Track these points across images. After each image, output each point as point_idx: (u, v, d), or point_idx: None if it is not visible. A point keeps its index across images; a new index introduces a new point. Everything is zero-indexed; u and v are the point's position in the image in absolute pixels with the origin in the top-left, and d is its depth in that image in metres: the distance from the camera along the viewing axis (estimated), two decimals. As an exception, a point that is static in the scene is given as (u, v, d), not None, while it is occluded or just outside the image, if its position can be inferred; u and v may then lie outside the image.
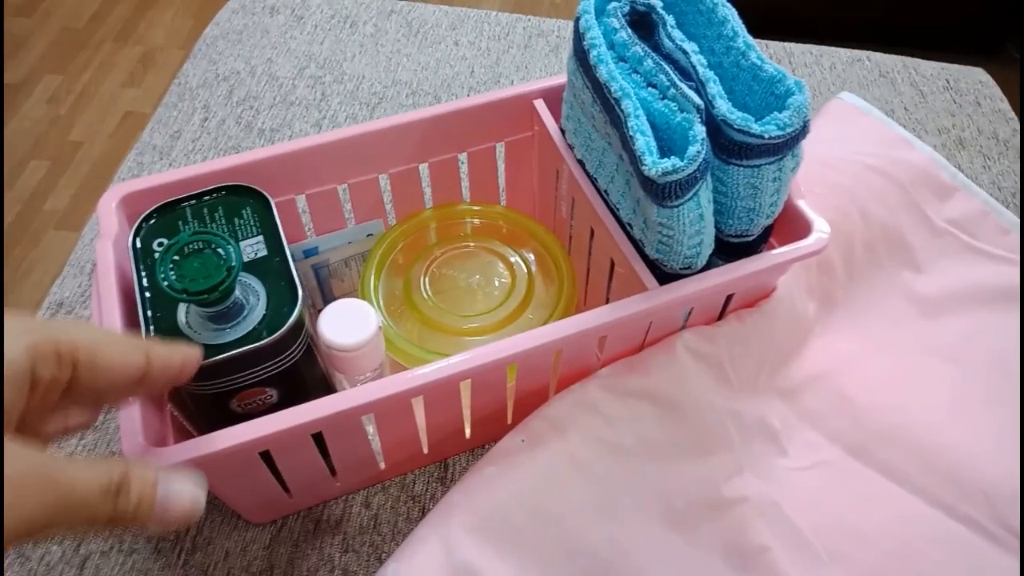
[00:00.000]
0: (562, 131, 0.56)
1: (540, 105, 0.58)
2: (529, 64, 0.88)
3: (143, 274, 0.44)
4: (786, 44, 0.94)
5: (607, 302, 0.47)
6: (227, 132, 0.78)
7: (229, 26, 0.91)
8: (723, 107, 0.44)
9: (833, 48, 0.94)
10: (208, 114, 0.80)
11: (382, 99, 0.82)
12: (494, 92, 0.58)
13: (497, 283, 0.56)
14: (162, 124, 0.80)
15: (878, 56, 0.94)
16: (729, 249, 0.50)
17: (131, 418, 0.40)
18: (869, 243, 0.63)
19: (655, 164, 0.42)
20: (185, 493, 0.31)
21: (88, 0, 2.29)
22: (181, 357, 0.34)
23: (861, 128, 0.70)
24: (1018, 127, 0.86)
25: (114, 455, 0.56)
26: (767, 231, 0.50)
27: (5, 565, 0.51)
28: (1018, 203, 0.77)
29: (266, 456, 0.45)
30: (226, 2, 0.95)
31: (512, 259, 0.57)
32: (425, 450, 0.54)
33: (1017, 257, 0.67)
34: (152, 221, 0.47)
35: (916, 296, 0.64)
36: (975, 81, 0.92)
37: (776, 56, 0.92)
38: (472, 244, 0.58)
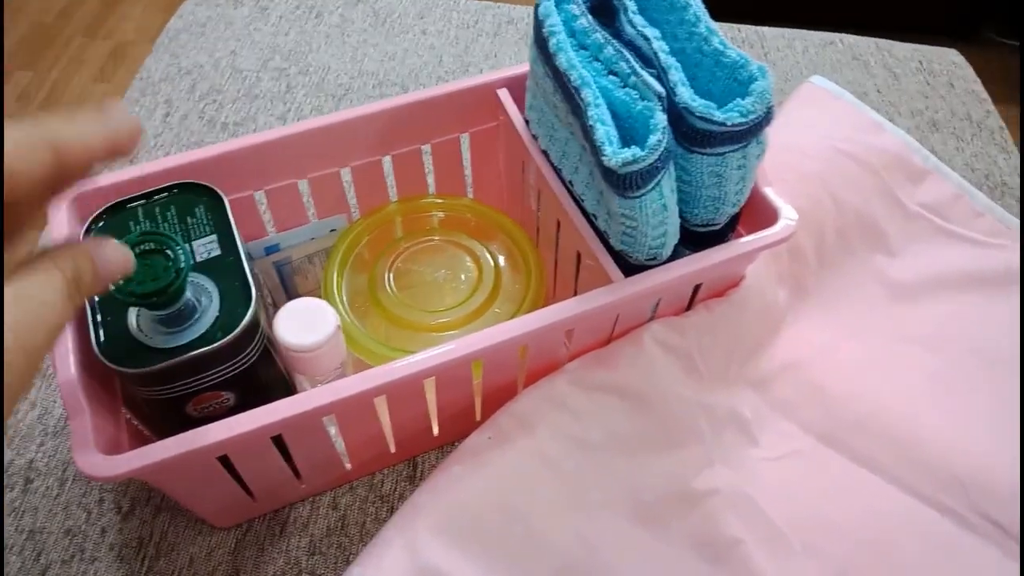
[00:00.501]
0: (526, 121, 0.55)
1: (504, 95, 0.56)
2: (499, 52, 0.87)
3: (93, 277, 0.43)
4: (758, 28, 0.93)
5: (575, 294, 0.46)
6: (190, 127, 0.77)
7: (192, 18, 0.89)
8: (685, 94, 0.43)
9: (805, 31, 0.93)
10: (170, 109, 0.79)
11: (348, 90, 0.81)
12: (458, 82, 0.56)
13: (464, 277, 0.55)
14: (124, 120, 0.78)
15: (851, 39, 0.93)
16: (696, 239, 0.49)
17: (82, 426, 0.39)
18: (841, 229, 0.63)
19: (615, 154, 0.41)
20: (116, 253, 0.30)
21: (56, -5, 2.25)
22: (105, 133, 0.29)
23: (832, 112, 0.69)
24: (991, 108, 0.86)
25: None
26: (734, 220, 0.50)
27: (-37, 577, 0.50)
28: (990, 185, 0.77)
29: (227, 460, 0.44)
30: (192, -6, 0.93)
31: (479, 252, 0.56)
32: (392, 449, 0.53)
33: (992, 240, 0.66)
34: (102, 223, 0.45)
35: (889, 281, 0.63)
36: (948, 63, 0.91)
37: (748, 40, 0.91)
38: (438, 238, 0.57)
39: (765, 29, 0.93)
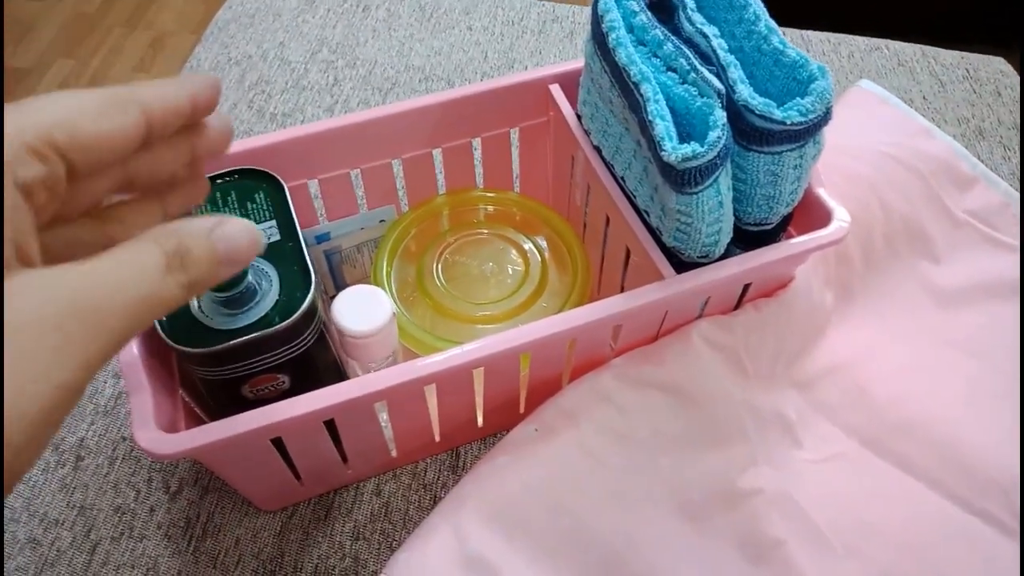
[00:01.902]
0: (578, 116, 0.55)
1: (556, 90, 0.57)
2: (543, 50, 0.87)
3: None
4: (803, 32, 0.93)
5: (621, 291, 0.46)
6: (239, 116, 0.78)
7: (241, 9, 0.91)
8: (744, 92, 0.43)
9: (851, 36, 0.93)
10: (221, 99, 0.79)
11: (395, 84, 0.82)
12: (509, 76, 0.57)
13: (510, 270, 0.55)
14: (173, 108, 0.79)
15: (896, 45, 0.92)
16: (748, 237, 0.49)
17: (142, 404, 0.39)
18: (888, 235, 0.62)
19: (675, 150, 0.41)
20: (241, 234, 0.27)
21: (98, -15, 2.29)
22: (187, 90, 0.29)
23: (881, 117, 0.69)
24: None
25: (125, 440, 0.56)
26: (786, 220, 0.50)
27: (17, 548, 0.51)
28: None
29: (277, 442, 0.45)
30: (238, -14, 0.94)
31: (525, 246, 0.56)
32: (437, 438, 0.53)
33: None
34: (164, 205, 0.46)
35: (934, 287, 0.63)
36: (995, 71, 0.90)
37: (793, 44, 0.90)
38: (485, 231, 0.57)
39: (810, 33, 0.92)
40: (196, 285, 0.26)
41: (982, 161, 0.79)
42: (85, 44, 2.12)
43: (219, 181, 0.47)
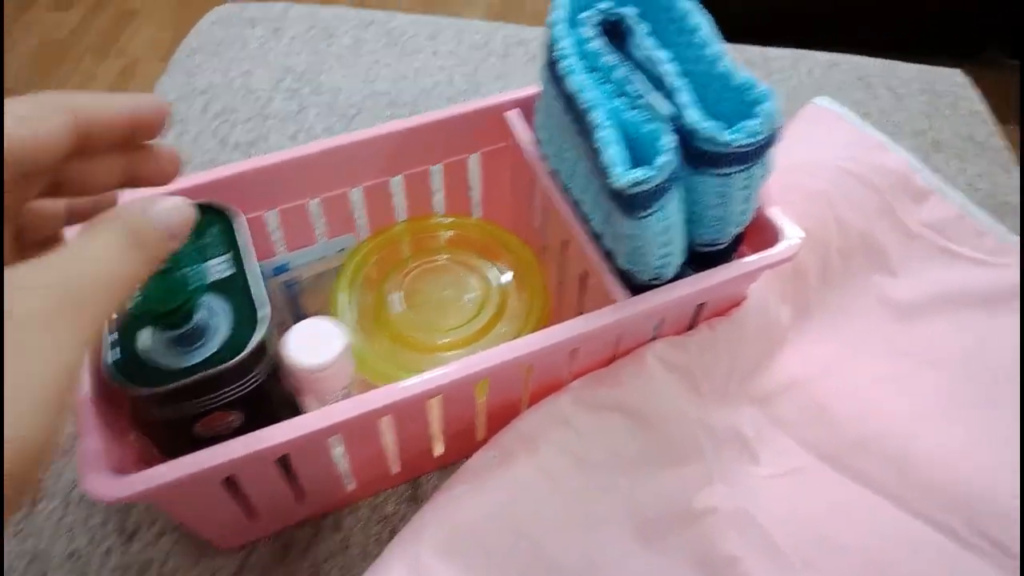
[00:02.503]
0: (537, 141, 0.55)
1: (513, 116, 0.57)
2: (509, 73, 0.88)
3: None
4: (764, 49, 0.94)
5: (579, 314, 0.47)
6: (202, 146, 0.78)
7: (207, 38, 0.91)
8: (692, 115, 0.43)
9: (811, 52, 0.94)
10: (184, 128, 0.80)
11: (360, 110, 0.82)
12: (467, 103, 0.57)
13: (470, 296, 0.55)
14: (136, 139, 0.79)
15: (855, 59, 0.94)
16: (700, 258, 0.49)
17: (91, 447, 0.39)
18: (844, 250, 0.63)
19: (623, 175, 0.41)
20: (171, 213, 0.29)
21: (67, 14, 2.28)
22: (128, 106, 0.31)
23: (836, 132, 0.70)
24: (994, 129, 0.86)
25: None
26: (738, 240, 0.50)
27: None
28: (992, 205, 0.77)
29: (232, 480, 0.44)
30: (204, 13, 0.94)
31: (485, 272, 0.56)
32: (395, 469, 0.53)
33: (994, 259, 0.67)
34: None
35: (891, 301, 0.63)
36: (952, 83, 0.92)
37: (753, 61, 0.92)
38: (446, 257, 0.57)
39: (770, 50, 0.94)
40: (153, 261, 0.28)
41: (938, 172, 0.80)
42: (55, 72, 2.11)
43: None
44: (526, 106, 0.57)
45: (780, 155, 0.66)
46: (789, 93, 0.88)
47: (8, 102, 0.27)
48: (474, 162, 0.60)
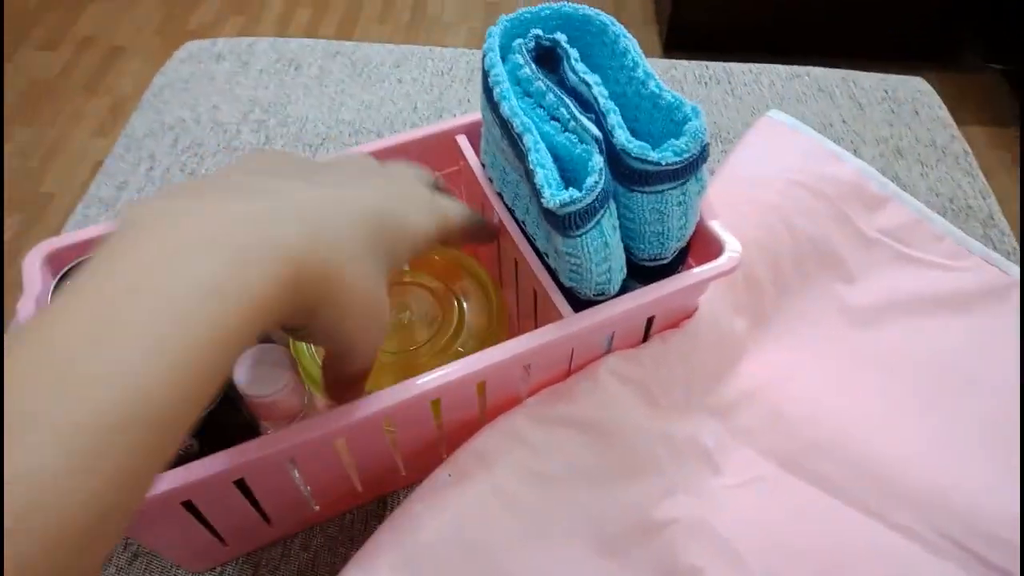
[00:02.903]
0: (483, 165, 0.57)
1: (463, 140, 0.59)
2: (472, 98, 0.89)
3: (60, 331, 0.45)
4: (726, 64, 0.95)
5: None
6: (171, 180, 0.79)
7: (176, 75, 0.92)
8: (621, 137, 0.45)
9: (772, 65, 0.96)
10: (154, 163, 0.81)
11: (325, 139, 0.83)
12: (420, 129, 0.59)
13: (429, 318, 0.56)
14: (109, 176, 0.81)
15: (817, 71, 0.95)
16: (645, 273, 0.51)
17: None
18: (798, 258, 0.64)
19: (553, 196, 0.42)
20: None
21: (56, 54, 2.31)
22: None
23: (789, 145, 0.71)
24: (956, 133, 0.88)
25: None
26: (682, 253, 0.51)
27: None
28: (955, 209, 0.79)
29: (194, 505, 0.45)
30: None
31: (444, 293, 0.57)
32: (359, 488, 0.54)
33: (952, 263, 0.68)
34: (70, 281, 0.47)
35: (848, 307, 0.64)
36: (913, 90, 0.93)
37: (716, 76, 0.93)
38: (405, 279, 0.59)
39: (732, 65, 0.95)
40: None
41: (900, 179, 0.81)
42: (44, 111, 2.14)
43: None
44: (473, 131, 0.59)
45: (733, 169, 0.68)
46: (751, 107, 0.89)
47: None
48: (429, 187, 0.61)
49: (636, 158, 0.44)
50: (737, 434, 0.57)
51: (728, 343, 0.59)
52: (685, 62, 0.94)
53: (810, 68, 0.95)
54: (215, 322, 0.28)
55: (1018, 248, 0.75)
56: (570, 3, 0.52)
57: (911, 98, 0.92)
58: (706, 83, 0.92)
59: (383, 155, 0.57)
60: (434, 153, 0.59)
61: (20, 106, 2.15)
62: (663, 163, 0.44)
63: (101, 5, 2.49)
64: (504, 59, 0.50)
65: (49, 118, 2.12)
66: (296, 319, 0.34)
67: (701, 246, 0.52)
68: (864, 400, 0.59)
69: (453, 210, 0.46)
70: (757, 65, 0.95)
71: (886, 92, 0.93)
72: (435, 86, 0.90)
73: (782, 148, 0.71)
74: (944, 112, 0.91)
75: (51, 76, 2.25)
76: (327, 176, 0.38)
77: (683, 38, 2.20)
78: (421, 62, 0.94)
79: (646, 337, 0.55)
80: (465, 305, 0.57)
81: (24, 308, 0.47)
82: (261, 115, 0.86)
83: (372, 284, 0.37)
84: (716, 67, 0.95)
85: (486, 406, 0.52)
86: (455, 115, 0.87)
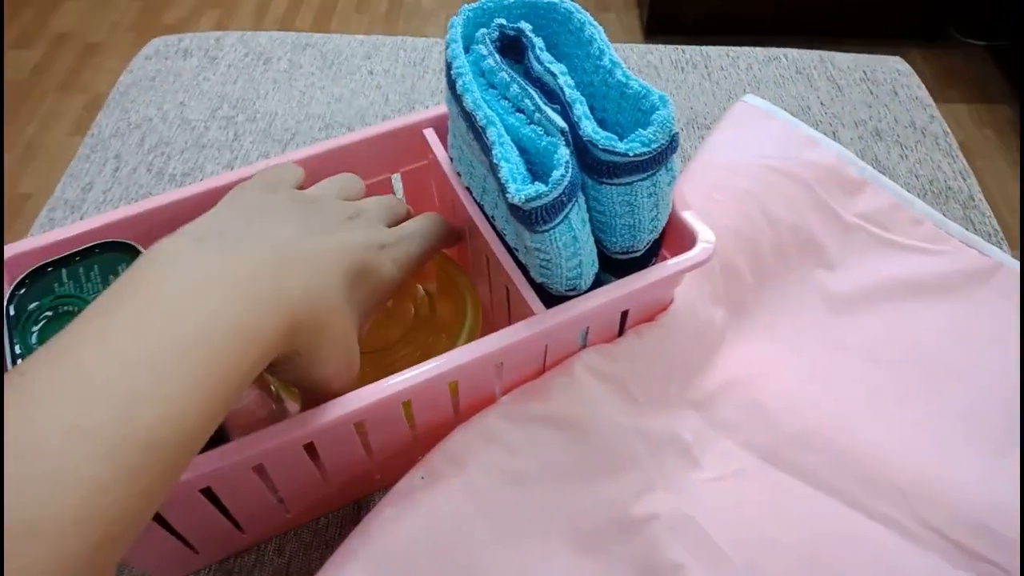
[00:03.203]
0: (451, 158, 0.55)
1: (430, 134, 0.57)
2: (444, 88, 0.88)
3: (15, 341, 0.43)
4: (703, 48, 0.94)
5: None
6: (138, 180, 0.78)
7: (142, 73, 0.91)
8: (588, 128, 0.44)
9: (750, 49, 0.94)
10: (120, 163, 0.80)
11: (295, 134, 0.82)
12: (386, 123, 0.57)
13: (401, 314, 0.55)
14: (74, 178, 0.79)
15: (795, 53, 0.94)
16: (618, 266, 0.50)
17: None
18: (778, 246, 0.63)
19: (518, 191, 0.41)
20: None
21: (30, 52, 2.28)
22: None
23: (765, 130, 0.70)
24: (936, 114, 0.87)
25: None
26: (655, 245, 0.50)
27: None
28: (935, 191, 0.78)
29: (161, 514, 0.44)
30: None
31: (415, 291, 0.56)
32: (333, 493, 0.53)
33: (932, 247, 0.67)
34: (24, 289, 0.46)
35: (829, 294, 0.64)
36: (892, 71, 0.92)
37: (692, 60, 0.92)
38: None
39: (709, 48, 0.94)
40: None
41: (879, 162, 0.80)
42: (19, 111, 2.11)
43: (78, 258, 0.47)
44: (442, 124, 0.57)
45: (707, 155, 0.66)
46: (727, 91, 0.88)
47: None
48: (397, 182, 0.60)
49: (603, 149, 0.43)
50: (716, 427, 0.56)
51: (706, 335, 0.58)
52: (662, 47, 0.93)
53: (788, 50, 0.94)
54: (238, 360, 0.32)
55: (999, 229, 0.74)
56: (535, -10, 0.50)
57: (890, 79, 0.91)
58: (683, 68, 0.91)
59: (350, 151, 0.56)
60: (402, 147, 0.58)
61: (-6, 106, 2.12)
62: (631, 154, 0.43)
63: (76, 2, 2.46)
64: (468, 50, 0.49)
65: (24, 117, 2.10)
66: (279, 361, 0.37)
67: (675, 237, 0.51)
68: (846, 389, 0.58)
69: (416, 242, 0.49)
70: (735, 49, 0.94)
71: (864, 73, 0.92)
72: (407, 77, 0.89)
73: (758, 134, 0.70)
74: (923, 92, 0.90)
75: (25, 75, 2.22)
76: (317, 219, 0.43)
77: (664, 23, 2.19)
78: (393, 52, 0.92)
79: (621, 331, 0.54)
80: (438, 301, 0.56)
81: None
82: (229, 111, 0.85)
83: (349, 333, 0.41)
84: (693, 51, 0.94)
85: (460, 406, 0.51)
86: (427, 107, 0.85)
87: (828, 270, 0.65)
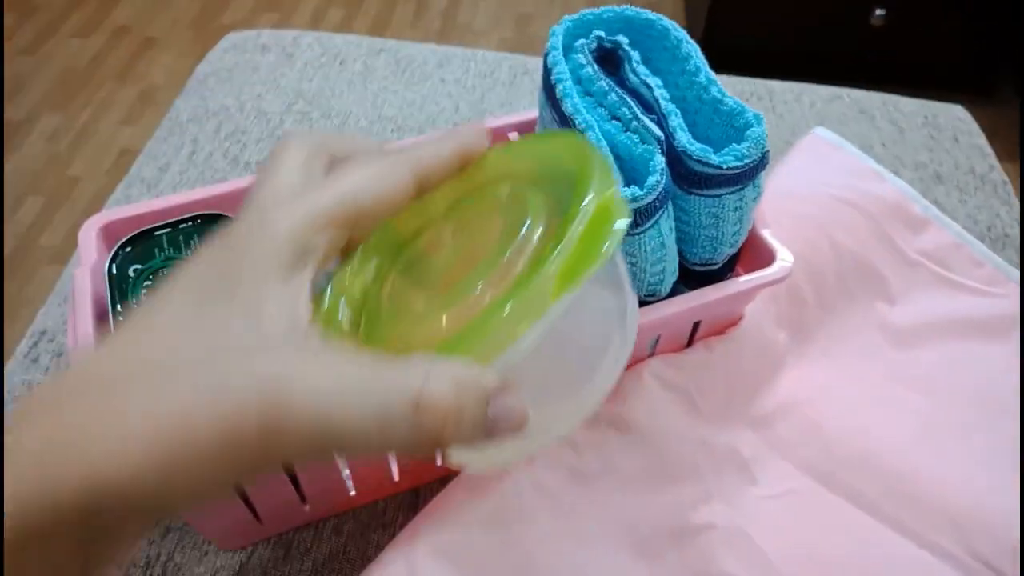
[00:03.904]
0: (535, 163, 0.57)
1: (515, 138, 0.59)
2: (514, 101, 0.90)
3: (117, 300, 0.45)
4: (767, 81, 0.96)
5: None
6: (214, 165, 0.80)
7: (220, 64, 0.93)
8: (683, 138, 0.45)
9: (813, 85, 0.96)
10: (196, 148, 0.82)
11: (368, 133, 0.84)
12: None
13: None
14: (151, 158, 0.81)
15: (857, 93, 0.95)
16: (695, 277, 0.51)
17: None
18: (840, 274, 0.64)
19: (615, 193, 0.43)
20: (516, 408, 0.26)
21: (89, 42, 2.33)
22: (456, 145, 0.33)
23: (833, 162, 0.71)
24: (995, 163, 0.88)
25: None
26: (732, 260, 0.51)
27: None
28: (992, 237, 0.78)
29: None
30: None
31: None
32: (396, 477, 0.54)
33: (991, 289, 0.68)
34: (128, 249, 0.48)
35: (889, 326, 0.64)
36: (953, 118, 0.93)
37: (757, 93, 0.94)
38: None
39: (774, 83, 0.95)
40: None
41: (938, 205, 0.81)
42: (75, 98, 2.16)
43: (182, 226, 0.49)
44: (526, 129, 0.59)
45: (774, 182, 0.68)
46: (791, 125, 0.89)
47: (363, 160, 0.31)
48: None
49: (697, 160, 0.45)
50: (774, 445, 0.57)
51: (769, 354, 0.59)
52: (727, 77, 0.95)
53: (850, 90, 0.96)
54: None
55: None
56: (631, 7, 0.52)
57: (951, 125, 0.92)
58: (747, 99, 0.92)
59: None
60: (484, 150, 0.60)
61: (52, 92, 2.17)
62: (724, 167, 0.44)
63: (138, -3, 2.51)
64: (565, 59, 0.51)
65: (79, 105, 2.14)
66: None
67: (750, 255, 0.52)
68: (902, 419, 0.59)
69: None
70: (798, 84, 0.96)
71: (926, 118, 0.93)
72: (477, 88, 0.91)
73: (826, 163, 0.71)
74: (983, 141, 0.91)
75: (84, 63, 2.27)
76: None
77: (712, 60, 2.21)
78: (464, 63, 0.94)
79: (690, 342, 0.55)
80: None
81: (81, 277, 0.47)
82: (305, 107, 0.87)
83: None
84: (757, 84, 0.95)
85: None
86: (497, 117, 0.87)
87: (889, 303, 0.65)
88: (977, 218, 0.81)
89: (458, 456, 0.29)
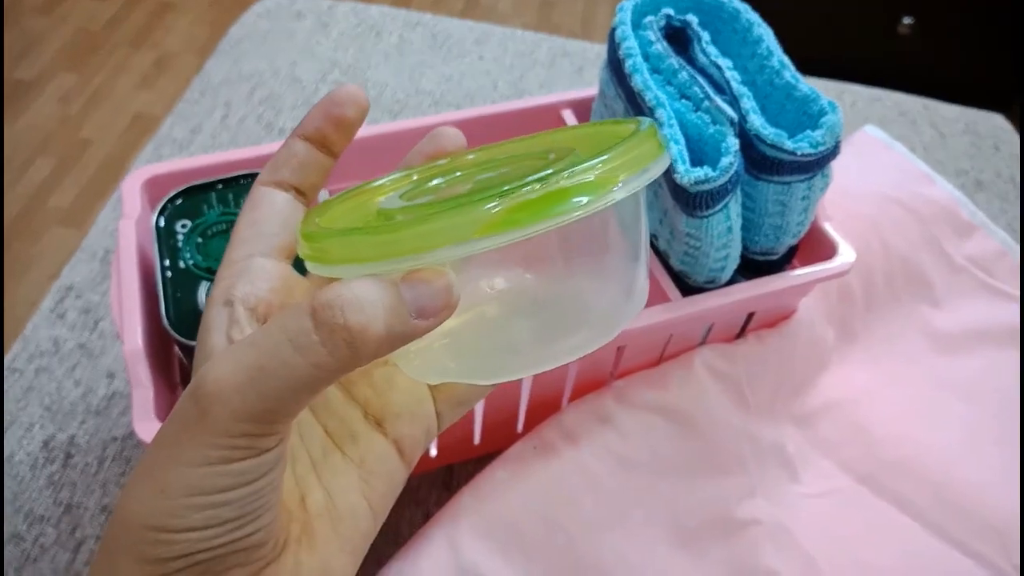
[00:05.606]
0: (589, 142, 0.56)
1: (568, 115, 0.58)
2: (552, 82, 0.88)
3: (165, 254, 0.44)
4: (808, 78, 0.94)
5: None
6: (247, 130, 0.78)
7: (254, 28, 0.91)
8: (756, 122, 0.44)
9: (854, 85, 0.95)
10: (229, 111, 0.80)
11: (405, 107, 0.83)
12: (523, 100, 0.58)
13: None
14: (182, 118, 0.80)
15: (897, 96, 0.94)
16: (753, 266, 0.50)
17: (143, 397, 0.39)
18: (889, 274, 0.63)
19: (687, 172, 0.41)
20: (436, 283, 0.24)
21: (106, 5, 2.30)
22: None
23: (884, 161, 0.70)
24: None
25: (116, 440, 0.55)
26: (791, 251, 0.50)
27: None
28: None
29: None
30: (241, 10, 0.95)
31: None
32: (433, 453, 0.53)
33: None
34: (178, 203, 0.46)
35: (933, 332, 0.63)
36: (994, 126, 0.92)
37: (796, 90, 0.92)
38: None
39: (814, 80, 0.94)
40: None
41: (980, 212, 0.80)
42: (89, 61, 2.13)
43: (232, 183, 0.47)
44: (580, 108, 0.58)
45: (828, 177, 0.66)
46: (830, 123, 0.88)
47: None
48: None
49: (771, 145, 0.43)
50: (817, 444, 0.56)
51: (818, 351, 0.58)
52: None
53: (891, 92, 0.95)
54: None
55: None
56: (701, -13, 0.51)
57: (992, 134, 0.91)
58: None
59: (485, 123, 0.56)
60: (534, 126, 0.58)
61: (66, 53, 2.14)
62: (798, 153, 0.43)
63: (156, -39, 2.48)
64: (634, 34, 0.49)
65: (93, 68, 2.12)
66: None
67: (809, 247, 0.51)
68: (945, 424, 0.58)
69: None
70: (839, 84, 0.94)
71: (966, 125, 0.92)
72: (516, 67, 0.90)
73: (877, 163, 0.70)
74: None
75: (100, 27, 2.24)
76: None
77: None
78: (502, 42, 0.93)
79: (742, 332, 0.54)
80: None
81: (125, 229, 0.46)
82: (340, 76, 0.85)
83: None
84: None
85: (572, 384, 0.51)
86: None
87: (934, 307, 0.64)
88: (1016, 227, 0.79)
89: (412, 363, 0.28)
